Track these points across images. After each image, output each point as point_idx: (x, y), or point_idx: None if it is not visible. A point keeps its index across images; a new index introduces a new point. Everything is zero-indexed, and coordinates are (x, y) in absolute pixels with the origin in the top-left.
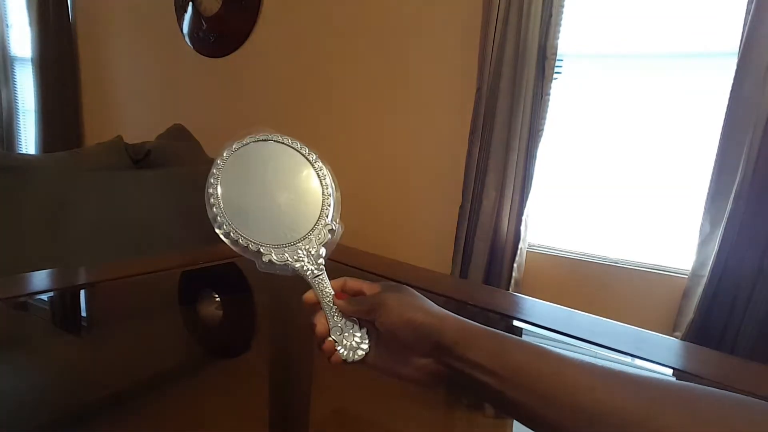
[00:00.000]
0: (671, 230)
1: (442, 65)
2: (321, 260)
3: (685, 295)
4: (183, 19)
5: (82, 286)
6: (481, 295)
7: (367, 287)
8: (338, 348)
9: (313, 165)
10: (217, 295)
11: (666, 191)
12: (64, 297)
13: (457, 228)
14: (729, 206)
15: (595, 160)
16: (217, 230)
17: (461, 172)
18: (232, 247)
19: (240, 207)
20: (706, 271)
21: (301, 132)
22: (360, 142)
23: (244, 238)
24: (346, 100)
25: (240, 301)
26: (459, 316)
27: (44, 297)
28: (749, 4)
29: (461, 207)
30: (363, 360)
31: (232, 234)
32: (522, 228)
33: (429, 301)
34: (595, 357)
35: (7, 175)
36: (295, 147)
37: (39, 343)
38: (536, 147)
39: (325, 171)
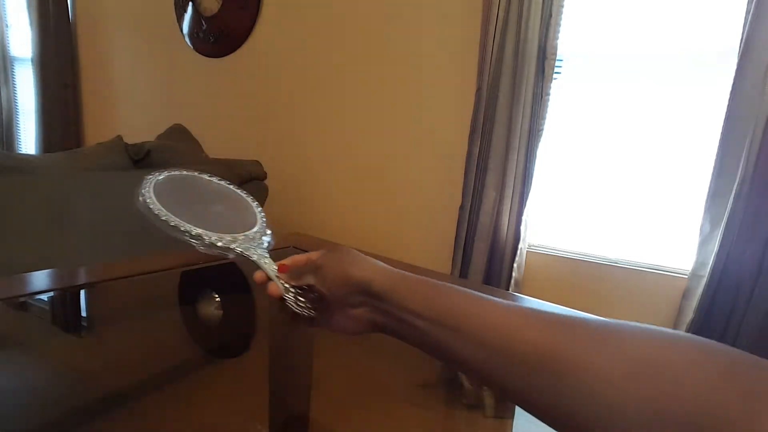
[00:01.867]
0: (671, 230)
1: (442, 65)
2: (265, 245)
3: (685, 295)
4: (183, 19)
5: (82, 286)
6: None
7: (311, 254)
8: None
9: (236, 190)
10: (217, 295)
11: (666, 191)
12: (64, 297)
13: (457, 228)
14: (729, 206)
15: (595, 160)
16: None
17: (461, 172)
18: (194, 243)
19: (184, 213)
20: (706, 271)
21: (301, 132)
22: (360, 142)
23: (204, 230)
24: (346, 99)
25: (240, 301)
26: (393, 268)
27: (44, 297)
28: (749, 4)
29: (461, 207)
30: (312, 319)
31: (182, 227)
32: (522, 228)
33: (367, 257)
34: None
35: (7, 175)
36: (214, 179)
37: (39, 343)
38: (536, 147)
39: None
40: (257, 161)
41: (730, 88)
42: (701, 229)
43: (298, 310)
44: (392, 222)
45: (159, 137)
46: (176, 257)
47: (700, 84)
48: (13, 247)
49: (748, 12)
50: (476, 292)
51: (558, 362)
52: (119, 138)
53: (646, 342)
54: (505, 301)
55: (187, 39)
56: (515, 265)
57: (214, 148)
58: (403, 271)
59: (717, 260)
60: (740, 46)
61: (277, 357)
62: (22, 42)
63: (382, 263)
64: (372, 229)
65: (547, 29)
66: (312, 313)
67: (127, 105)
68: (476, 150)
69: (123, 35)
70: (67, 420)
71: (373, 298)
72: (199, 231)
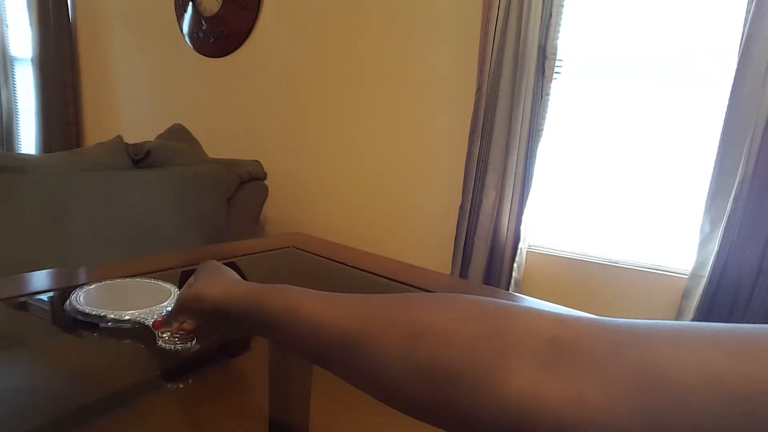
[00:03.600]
0: (671, 230)
1: (442, 65)
2: (164, 312)
3: (685, 295)
4: (183, 19)
5: (82, 286)
6: (481, 296)
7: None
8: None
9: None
10: None
11: (666, 191)
12: (64, 297)
13: (457, 228)
14: (729, 206)
15: (595, 160)
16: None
17: (461, 172)
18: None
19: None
20: (706, 271)
21: (301, 131)
22: (360, 142)
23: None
24: (345, 99)
25: None
26: (227, 285)
27: (44, 297)
28: (749, 4)
29: (461, 207)
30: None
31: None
32: (522, 228)
33: (210, 278)
34: None
35: (7, 175)
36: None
37: (39, 343)
38: (536, 147)
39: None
40: (257, 161)
41: (730, 88)
42: (701, 229)
43: (171, 347)
44: (392, 221)
45: (159, 137)
46: (176, 257)
47: (700, 84)
48: (13, 247)
49: (748, 12)
50: (289, 288)
51: (356, 345)
52: (119, 138)
53: (424, 310)
54: (315, 295)
55: (187, 39)
56: (515, 265)
57: (214, 148)
58: (233, 284)
59: (717, 260)
60: (740, 46)
61: (277, 357)
62: (22, 42)
63: (227, 279)
64: (372, 228)
65: (547, 29)
66: (188, 344)
67: (127, 105)
68: (476, 150)
69: (123, 35)
70: (67, 420)
71: (214, 317)
72: (104, 312)
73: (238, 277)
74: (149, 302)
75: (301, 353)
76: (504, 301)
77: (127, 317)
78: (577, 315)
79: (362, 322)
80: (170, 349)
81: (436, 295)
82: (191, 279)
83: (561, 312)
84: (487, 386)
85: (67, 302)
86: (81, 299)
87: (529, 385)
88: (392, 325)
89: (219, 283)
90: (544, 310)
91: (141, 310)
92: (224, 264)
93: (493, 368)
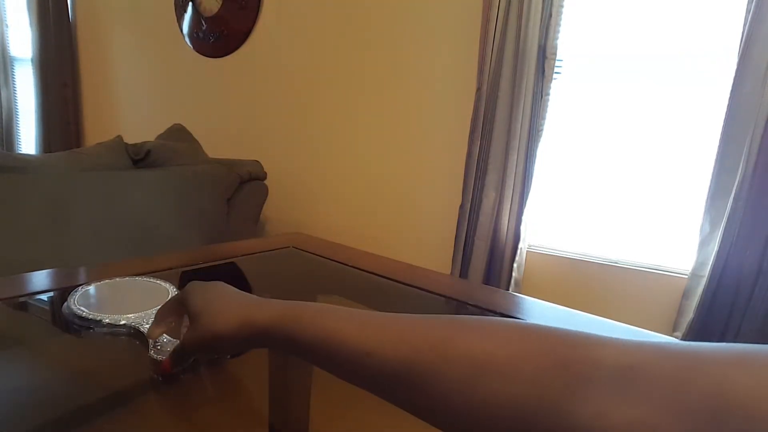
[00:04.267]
0: (671, 230)
1: (442, 65)
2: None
3: (685, 295)
4: (183, 19)
5: (79, 287)
6: (481, 295)
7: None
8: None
9: (153, 281)
10: None
11: (666, 191)
12: (64, 297)
13: (457, 228)
14: (729, 206)
15: (595, 160)
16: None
17: (461, 172)
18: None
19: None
20: (706, 271)
21: (301, 131)
22: (360, 142)
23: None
24: (346, 99)
25: None
26: (239, 311)
27: (44, 297)
28: (749, 3)
29: (461, 207)
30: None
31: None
32: (522, 228)
33: (218, 301)
34: None
35: (7, 175)
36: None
37: (39, 343)
38: (536, 147)
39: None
40: (257, 161)
41: (730, 88)
42: (701, 229)
43: (164, 358)
44: (392, 221)
45: (159, 137)
46: (176, 257)
47: (700, 84)
48: (13, 247)
49: (748, 12)
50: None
51: (410, 377)
52: (119, 138)
53: (480, 342)
54: (356, 315)
55: (187, 39)
56: (515, 265)
57: (214, 148)
58: (245, 307)
59: (717, 260)
60: (740, 46)
61: (277, 357)
62: (22, 42)
63: (232, 303)
64: (372, 228)
65: (547, 29)
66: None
67: (127, 105)
68: (476, 150)
69: (123, 35)
70: (67, 420)
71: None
72: (100, 317)
73: (238, 293)
74: (148, 303)
75: (346, 380)
76: (559, 328)
77: (123, 322)
78: (638, 341)
79: (414, 354)
80: (163, 360)
81: (488, 323)
82: (187, 311)
83: (621, 339)
84: (556, 420)
85: (65, 305)
86: (78, 301)
87: (600, 416)
88: (448, 359)
89: (226, 311)
90: (603, 337)
91: (137, 314)
92: (224, 264)
93: (562, 401)
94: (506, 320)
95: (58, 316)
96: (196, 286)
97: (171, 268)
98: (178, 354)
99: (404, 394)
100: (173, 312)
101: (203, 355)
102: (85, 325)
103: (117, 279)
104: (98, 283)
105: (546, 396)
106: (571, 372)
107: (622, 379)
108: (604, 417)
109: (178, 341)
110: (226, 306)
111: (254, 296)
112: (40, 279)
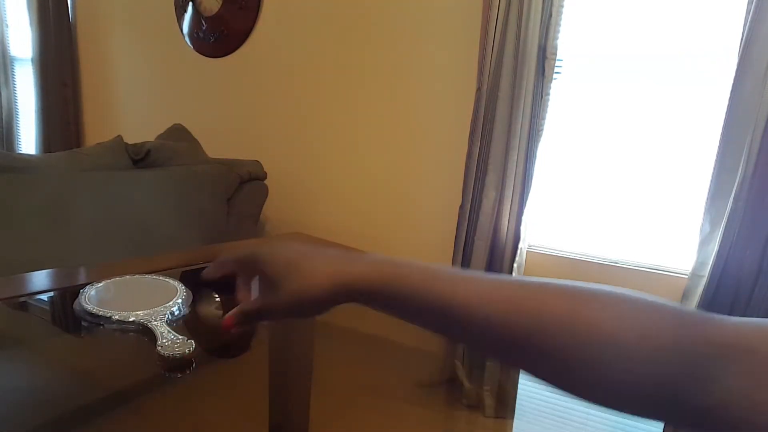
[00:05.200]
0: (671, 230)
1: (442, 65)
2: (168, 315)
3: (685, 295)
4: (183, 19)
5: (82, 286)
6: None
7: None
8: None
9: (160, 278)
10: (217, 295)
11: (666, 191)
12: (64, 297)
13: (457, 228)
14: (729, 206)
15: (595, 160)
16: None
17: (461, 172)
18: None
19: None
20: (706, 271)
21: (301, 131)
22: (360, 142)
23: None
24: (346, 99)
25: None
26: (344, 265)
27: (44, 297)
28: (749, 4)
29: (461, 207)
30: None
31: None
32: (522, 228)
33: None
34: None
35: (7, 175)
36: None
37: (39, 343)
38: (536, 147)
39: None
40: (257, 161)
41: (730, 88)
42: (701, 230)
43: (170, 354)
44: (392, 221)
45: (159, 137)
46: (176, 257)
47: (700, 84)
48: (13, 247)
49: (748, 12)
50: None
51: (535, 342)
52: (119, 138)
53: (605, 314)
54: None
55: (187, 39)
56: (515, 265)
57: (214, 148)
58: (369, 259)
59: (717, 260)
60: (740, 46)
61: (277, 357)
62: (22, 42)
63: (335, 258)
64: (371, 228)
65: (547, 29)
66: (186, 351)
67: (127, 105)
68: (476, 150)
69: (123, 35)
70: (67, 420)
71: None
72: (110, 313)
73: (319, 248)
74: (156, 300)
75: (454, 341)
76: (669, 302)
77: (132, 318)
78: (748, 322)
79: (536, 323)
80: (169, 356)
81: (604, 296)
82: (265, 274)
83: (731, 318)
84: (700, 397)
85: (76, 301)
86: (90, 297)
87: (744, 394)
88: (574, 333)
89: (315, 273)
90: (726, 318)
91: (146, 311)
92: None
93: (705, 379)
94: (620, 291)
95: (59, 316)
96: (270, 248)
97: (171, 268)
98: (247, 314)
99: (521, 358)
100: (238, 268)
101: (287, 318)
102: (96, 321)
103: (127, 276)
104: (108, 280)
105: (686, 378)
106: (706, 351)
107: (757, 364)
108: (748, 397)
109: (220, 314)
110: (313, 267)
111: (337, 250)
112: (40, 279)
